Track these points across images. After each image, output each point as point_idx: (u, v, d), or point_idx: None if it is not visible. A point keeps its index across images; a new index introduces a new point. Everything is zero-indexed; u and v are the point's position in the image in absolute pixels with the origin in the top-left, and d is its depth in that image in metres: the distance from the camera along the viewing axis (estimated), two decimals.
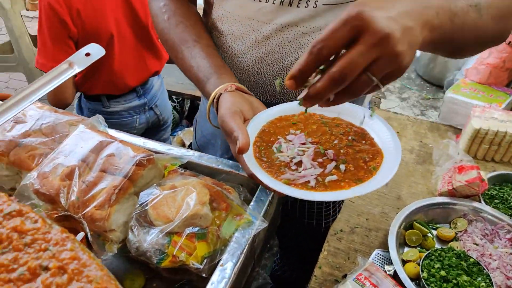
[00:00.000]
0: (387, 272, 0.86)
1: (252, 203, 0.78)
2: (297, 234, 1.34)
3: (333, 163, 0.67)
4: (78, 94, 1.81)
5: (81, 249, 0.38)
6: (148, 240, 0.70)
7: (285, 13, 0.83)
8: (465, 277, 0.81)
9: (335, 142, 0.72)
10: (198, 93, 2.25)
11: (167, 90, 2.08)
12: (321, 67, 0.52)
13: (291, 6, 0.82)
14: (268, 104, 0.80)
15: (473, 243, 0.94)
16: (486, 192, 1.09)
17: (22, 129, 0.86)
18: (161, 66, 1.86)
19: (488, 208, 0.99)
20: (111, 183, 0.72)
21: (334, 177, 0.65)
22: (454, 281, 0.81)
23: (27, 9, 2.85)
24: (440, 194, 1.07)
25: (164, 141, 2.04)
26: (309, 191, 0.63)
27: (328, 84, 0.50)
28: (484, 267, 0.84)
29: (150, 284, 0.82)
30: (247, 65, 0.92)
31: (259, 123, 0.76)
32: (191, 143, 2.31)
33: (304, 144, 0.72)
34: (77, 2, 1.48)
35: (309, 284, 0.90)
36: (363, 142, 0.72)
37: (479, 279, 0.82)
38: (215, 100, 0.77)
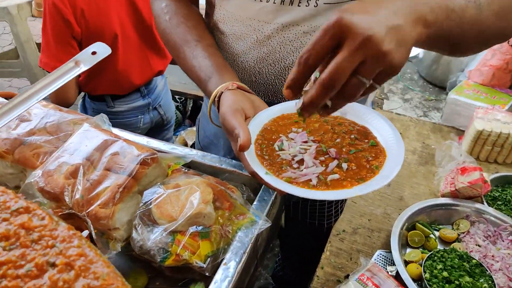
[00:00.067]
0: (389, 273, 0.86)
1: (255, 203, 0.78)
2: (299, 234, 1.34)
3: (335, 162, 0.67)
4: (82, 94, 1.82)
5: (87, 246, 0.39)
6: (151, 238, 0.70)
7: (286, 13, 0.83)
8: (467, 278, 0.81)
9: (338, 140, 0.72)
10: (200, 93, 2.25)
11: (170, 90, 2.08)
12: (317, 75, 0.53)
13: (292, 5, 0.82)
14: (270, 104, 0.81)
15: (476, 245, 0.94)
16: (489, 193, 1.09)
17: (27, 128, 0.87)
18: (164, 66, 1.86)
19: (490, 210, 0.99)
20: (115, 181, 0.73)
21: (336, 176, 0.65)
22: (457, 282, 0.81)
23: (33, 16, 2.88)
24: (443, 195, 1.07)
25: (167, 140, 2.03)
26: (310, 190, 0.62)
27: (320, 91, 0.51)
28: (487, 269, 0.84)
29: (153, 282, 0.82)
30: (249, 65, 0.92)
31: (261, 121, 0.76)
32: (193, 143, 2.32)
33: (306, 142, 0.72)
34: (81, 2, 1.48)
35: (312, 284, 0.90)
36: (366, 141, 0.72)
37: (481, 280, 0.82)
38: (216, 99, 0.77)
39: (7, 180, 0.88)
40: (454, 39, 0.63)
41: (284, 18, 0.83)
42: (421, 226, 0.97)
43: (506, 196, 1.08)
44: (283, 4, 0.82)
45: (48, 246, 0.38)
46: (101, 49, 0.75)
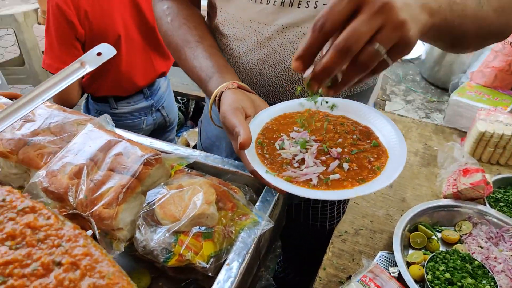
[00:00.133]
0: (392, 274, 0.86)
1: (258, 203, 0.79)
2: (301, 236, 1.34)
3: (336, 162, 0.66)
4: (85, 95, 1.82)
5: (93, 245, 0.39)
6: (155, 239, 0.70)
7: (286, 14, 0.83)
8: (470, 280, 0.81)
9: (339, 140, 0.71)
10: (203, 94, 2.25)
11: (172, 91, 2.09)
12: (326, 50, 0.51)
13: (291, 6, 0.82)
14: (271, 105, 0.81)
15: (478, 246, 0.94)
16: (491, 195, 1.09)
17: (31, 128, 0.87)
18: (168, 67, 1.87)
19: (493, 211, 0.99)
20: (119, 182, 0.73)
21: (337, 176, 0.64)
22: (459, 283, 0.81)
23: (39, 23, 2.92)
24: (445, 197, 1.07)
25: (169, 142, 2.04)
26: (310, 189, 0.62)
27: (335, 56, 0.49)
28: (489, 270, 0.84)
29: (156, 283, 0.82)
30: (250, 66, 0.93)
31: (262, 120, 0.75)
32: (195, 144, 2.32)
33: (307, 141, 0.72)
34: (85, 4, 1.49)
35: (314, 285, 0.91)
36: (368, 141, 0.71)
37: (484, 282, 0.82)
38: (217, 99, 0.77)
39: (11, 180, 0.89)
40: (456, 32, 0.63)
41: (284, 19, 0.84)
42: (423, 227, 0.97)
43: (509, 198, 1.08)
44: (283, 5, 0.82)
45: (54, 245, 0.39)
46: (106, 50, 0.76)
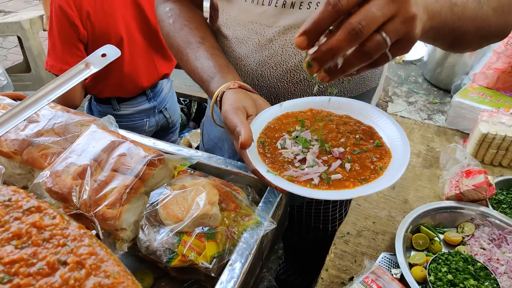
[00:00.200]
0: (394, 275, 0.86)
1: (260, 204, 0.79)
2: (303, 238, 1.34)
3: (338, 162, 0.66)
4: (88, 96, 1.83)
5: (98, 245, 0.39)
6: (158, 239, 0.71)
7: (287, 16, 0.83)
8: (472, 281, 0.81)
9: (342, 140, 0.71)
10: (205, 95, 2.26)
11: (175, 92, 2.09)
12: (330, 28, 0.50)
13: (293, 8, 0.82)
14: None
15: (480, 248, 0.94)
16: (494, 196, 1.09)
17: (35, 129, 0.88)
18: (170, 68, 1.87)
19: (495, 213, 0.99)
20: (122, 182, 0.73)
21: (339, 176, 0.63)
22: (461, 285, 0.81)
23: (44, 30, 2.95)
24: (447, 198, 1.07)
25: (172, 143, 2.05)
26: (311, 189, 0.61)
27: (344, 37, 0.47)
28: (492, 272, 0.84)
29: (159, 283, 0.83)
30: (251, 68, 0.93)
31: (264, 120, 0.75)
32: (198, 145, 2.32)
33: (309, 141, 0.71)
34: (88, 5, 1.50)
35: (316, 286, 0.91)
36: (371, 141, 0.71)
37: (486, 283, 0.82)
38: (218, 99, 0.77)
39: (15, 181, 0.89)
40: (456, 33, 0.64)
41: (286, 21, 0.84)
42: (425, 229, 0.97)
43: (511, 199, 1.08)
44: (285, 7, 0.82)
45: (59, 244, 0.39)
46: (111, 51, 0.76)
